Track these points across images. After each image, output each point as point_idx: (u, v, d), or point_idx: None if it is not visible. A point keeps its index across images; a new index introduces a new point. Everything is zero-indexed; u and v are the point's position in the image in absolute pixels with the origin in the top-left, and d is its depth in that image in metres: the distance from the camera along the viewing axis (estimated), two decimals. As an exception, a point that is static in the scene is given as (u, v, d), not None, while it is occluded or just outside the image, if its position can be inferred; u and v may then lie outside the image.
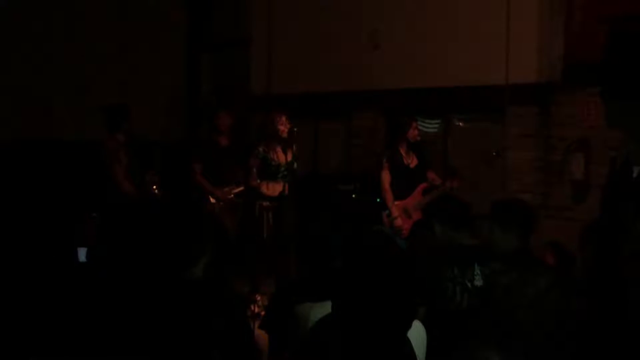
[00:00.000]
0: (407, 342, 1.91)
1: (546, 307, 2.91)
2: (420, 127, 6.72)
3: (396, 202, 6.27)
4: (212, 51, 9.63)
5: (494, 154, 6.47)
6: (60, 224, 5.58)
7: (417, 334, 2.51)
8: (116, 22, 8.38)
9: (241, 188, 6.76)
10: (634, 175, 5.75)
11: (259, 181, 6.38)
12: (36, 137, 7.54)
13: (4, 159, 7.11)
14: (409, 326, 1.92)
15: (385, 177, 6.29)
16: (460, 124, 7.60)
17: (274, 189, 6.37)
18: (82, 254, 3.61)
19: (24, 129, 7.55)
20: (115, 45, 8.34)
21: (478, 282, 3.09)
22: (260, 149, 6.38)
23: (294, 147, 6.41)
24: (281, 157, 6.41)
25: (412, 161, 6.39)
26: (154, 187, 6.20)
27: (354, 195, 7.30)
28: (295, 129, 6.34)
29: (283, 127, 6.34)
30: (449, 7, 7.29)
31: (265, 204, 6.36)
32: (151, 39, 8.70)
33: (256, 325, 3.66)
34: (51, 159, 7.42)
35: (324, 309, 2.54)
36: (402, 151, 6.34)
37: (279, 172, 6.37)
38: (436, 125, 7.78)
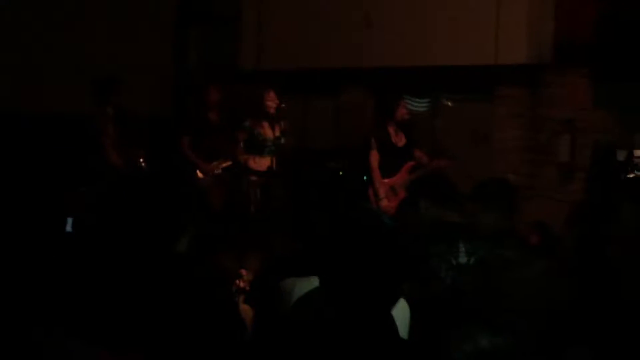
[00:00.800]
0: (391, 318, 1.93)
1: (534, 288, 2.93)
2: (409, 107, 6.72)
3: (384, 181, 6.28)
4: (201, 26, 9.56)
5: (482, 136, 6.49)
6: (49, 195, 5.58)
7: (400, 311, 2.53)
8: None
9: (229, 163, 6.76)
10: (618, 159, 5.78)
11: (245, 156, 6.40)
12: (25, 110, 7.48)
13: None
14: (394, 302, 1.93)
15: (374, 156, 6.29)
16: (449, 103, 7.60)
17: (261, 163, 6.38)
18: (68, 224, 3.64)
19: (12, 101, 7.49)
20: (104, 18, 8.27)
21: (462, 259, 3.11)
22: (247, 124, 6.38)
23: (282, 123, 6.41)
24: (268, 132, 6.41)
25: (401, 140, 6.38)
26: (141, 160, 6.19)
27: (341, 173, 7.32)
28: (283, 105, 6.35)
29: (271, 102, 6.34)
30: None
31: (253, 178, 6.37)
32: (140, 13, 8.62)
33: (241, 299, 3.68)
34: (40, 132, 7.37)
35: (308, 284, 2.55)
36: (391, 130, 6.34)
37: (266, 147, 6.38)
38: (425, 105, 7.78)
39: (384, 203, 6.20)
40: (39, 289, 2.20)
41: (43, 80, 7.78)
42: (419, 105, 7.77)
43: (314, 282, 2.39)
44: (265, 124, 6.41)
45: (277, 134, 6.41)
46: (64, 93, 7.75)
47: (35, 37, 7.70)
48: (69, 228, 3.52)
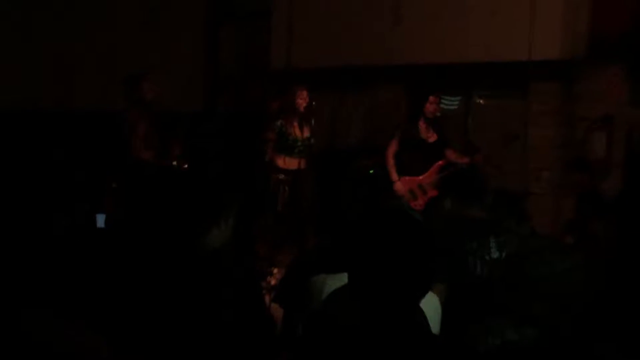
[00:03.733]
0: (420, 311, 1.90)
1: (564, 283, 2.89)
2: (442, 105, 6.67)
3: (412, 178, 6.26)
4: (232, 23, 9.59)
5: (513, 137, 6.38)
6: (80, 191, 5.65)
7: (431, 305, 2.50)
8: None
9: None
10: None
11: (274, 155, 6.35)
12: (58, 107, 7.58)
13: (26, 128, 7.16)
14: (422, 295, 1.90)
15: (391, 145, 6.29)
16: (482, 100, 7.52)
17: (290, 163, 6.34)
18: (100, 220, 3.71)
19: (45, 98, 7.59)
20: (137, 16, 8.34)
21: (494, 254, 3.08)
22: (278, 123, 6.35)
23: (312, 122, 6.38)
24: (298, 132, 6.37)
25: (431, 136, 6.33)
26: (175, 159, 6.21)
27: (371, 171, 7.28)
28: (313, 103, 6.32)
29: (302, 100, 6.30)
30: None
31: (280, 176, 6.34)
32: (172, 11, 8.68)
33: (270, 297, 3.67)
34: (73, 128, 7.46)
35: (338, 280, 2.53)
36: (422, 125, 6.30)
37: (296, 147, 6.33)
38: (457, 102, 7.71)
39: (397, 187, 6.17)
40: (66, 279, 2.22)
41: (76, 78, 7.88)
42: (452, 102, 7.70)
43: (344, 278, 2.37)
44: (296, 124, 6.37)
45: (307, 134, 6.37)
46: (96, 91, 7.84)
47: (68, 37, 7.80)
48: (101, 224, 3.57)
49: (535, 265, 2.81)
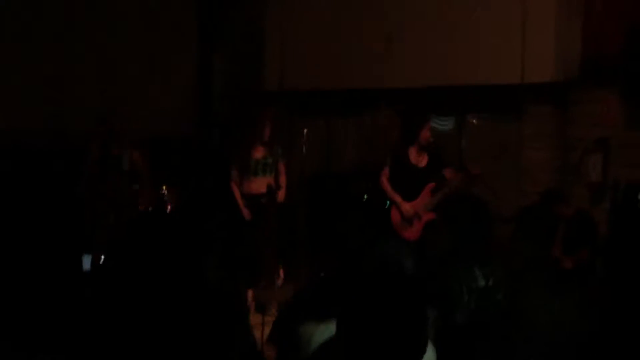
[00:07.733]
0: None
1: (563, 321, 2.86)
2: (434, 126, 6.62)
3: (405, 203, 6.20)
4: (225, 47, 9.56)
5: (502, 149, 6.30)
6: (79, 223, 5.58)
7: (427, 353, 2.42)
8: (130, 23, 8.35)
9: None
10: None
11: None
12: (53, 141, 7.49)
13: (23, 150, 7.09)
14: (421, 355, 1.84)
15: (384, 173, 6.24)
16: (475, 122, 7.49)
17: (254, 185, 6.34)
18: (86, 261, 3.64)
19: (42, 119, 7.53)
20: (129, 42, 8.31)
21: (481, 282, 3.07)
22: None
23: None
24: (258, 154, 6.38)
25: (422, 160, 6.25)
26: (168, 203, 6.13)
27: (365, 196, 7.22)
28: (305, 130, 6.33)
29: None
30: (465, 4, 7.18)
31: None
32: (164, 35, 8.65)
33: (265, 336, 3.63)
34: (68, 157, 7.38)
35: (328, 330, 2.47)
36: (413, 151, 6.22)
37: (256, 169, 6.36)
38: (450, 125, 7.67)
39: (405, 207, 6.08)
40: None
41: (65, 101, 7.83)
42: (445, 125, 7.66)
43: (332, 327, 2.30)
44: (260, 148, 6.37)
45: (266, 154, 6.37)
46: (88, 117, 7.78)
47: (60, 62, 7.76)
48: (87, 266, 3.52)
49: (534, 304, 2.79)
